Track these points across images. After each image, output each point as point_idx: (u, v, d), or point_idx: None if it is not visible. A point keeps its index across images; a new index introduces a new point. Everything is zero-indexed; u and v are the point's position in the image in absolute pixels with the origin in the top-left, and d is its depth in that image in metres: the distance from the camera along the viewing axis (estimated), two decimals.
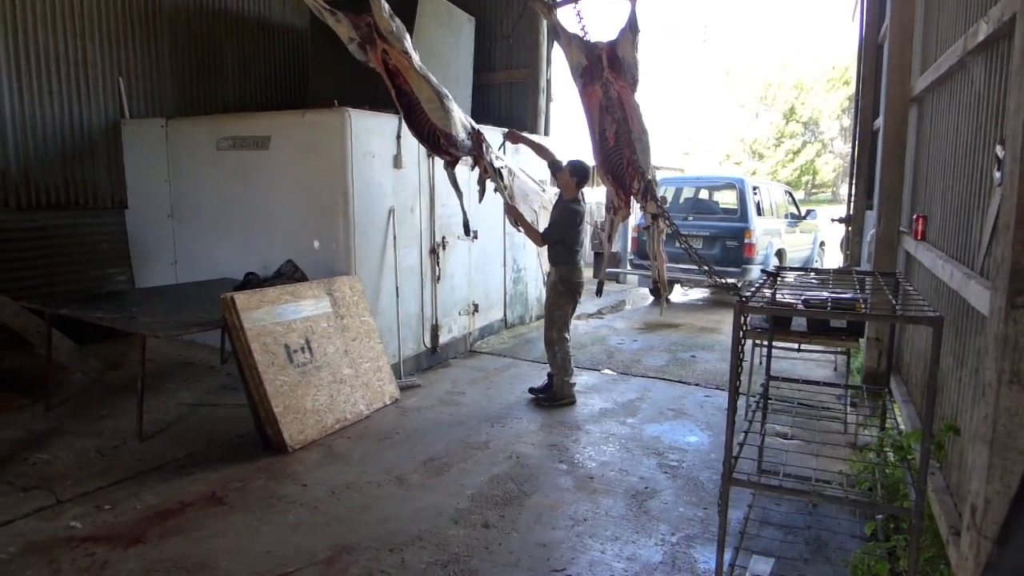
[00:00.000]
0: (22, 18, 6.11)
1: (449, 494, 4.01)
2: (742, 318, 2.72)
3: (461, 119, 5.10)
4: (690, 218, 10.22)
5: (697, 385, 6.24)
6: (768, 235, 10.21)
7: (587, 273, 6.10)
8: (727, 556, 3.28)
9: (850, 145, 7.28)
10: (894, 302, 2.82)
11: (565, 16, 4.73)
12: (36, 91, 6.27)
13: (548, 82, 9.28)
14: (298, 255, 5.67)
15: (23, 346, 5.69)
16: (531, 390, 5.78)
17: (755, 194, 10.14)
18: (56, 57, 6.39)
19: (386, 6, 4.43)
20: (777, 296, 3.10)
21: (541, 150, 5.96)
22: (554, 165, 5.74)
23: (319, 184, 5.63)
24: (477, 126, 5.32)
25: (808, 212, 12.14)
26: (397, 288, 6.05)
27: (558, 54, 7.67)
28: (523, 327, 8.26)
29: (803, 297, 3.05)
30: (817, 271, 4.14)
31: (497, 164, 5.58)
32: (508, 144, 6.38)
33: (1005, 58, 2.50)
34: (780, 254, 10.51)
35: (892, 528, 3.38)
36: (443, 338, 6.76)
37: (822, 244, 12.99)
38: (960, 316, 3.13)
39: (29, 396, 5.23)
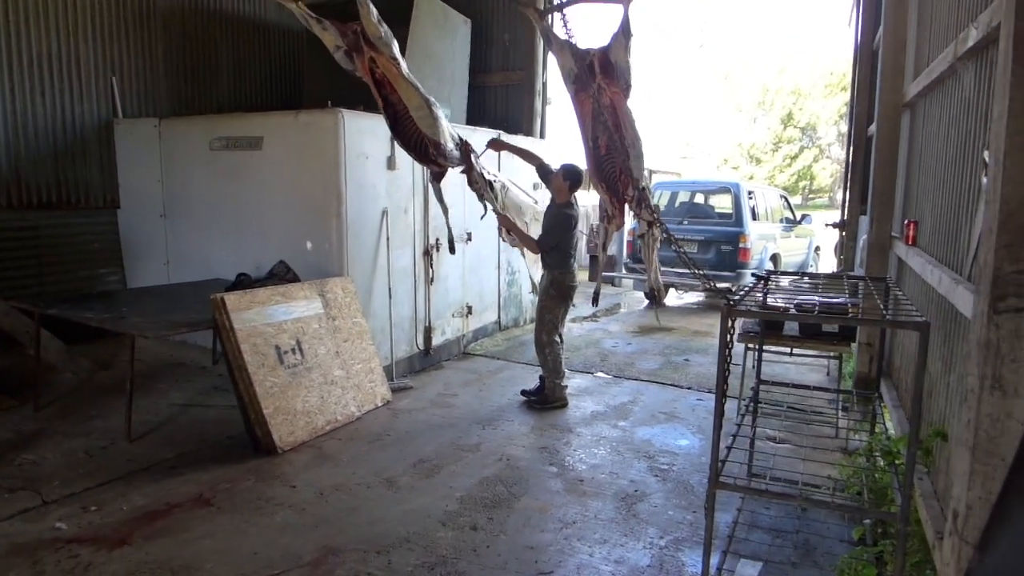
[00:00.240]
0: (14, 16, 6.08)
1: (438, 496, 3.99)
2: (730, 321, 2.71)
3: (449, 130, 5.05)
4: (685, 222, 10.23)
5: (690, 389, 6.24)
6: (763, 240, 10.22)
7: (582, 276, 6.10)
8: (715, 560, 3.27)
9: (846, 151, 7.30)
10: (882, 307, 2.82)
11: (557, 22, 4.73)
12: (28, 90, 6.25)
13: (544, 85, 9.28)
14: (291, 256, 5.66)
15: (12, 346, 5.67)
16: (523, 392, 5.77)
17: (750, 199, 10.15)
18: (48, 55, 6.37)
19: (374, 11, 4.37)
20: (767, 300, 3.10)
21: (529, 156, 5.89)
22: (543, 170, 5.72)
23: (312, 185, 5.62)
24: (465, 138, 5.27)
25: (803, 217, 12.16)
26: (390, 290, 6.03)
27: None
28: (517, 329, 8.25)
29: (795, 302, 3.05)
30: (808, 275, 4.14)
31: (489, 178, 5.55)
32: (504, 155, 6.34)
33: (994, 64, 2.50)
34: (775, 259, 10.52)
35: (880, 533, 3.38)
36: (436, 340, 6.74)
37: (817, 249, 13.01)
38: (949, 322, 3.13)
39: (18, 397, 5.20)
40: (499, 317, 8.04)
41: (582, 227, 5.74)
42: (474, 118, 8.77)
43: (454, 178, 5.57)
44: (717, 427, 2.68)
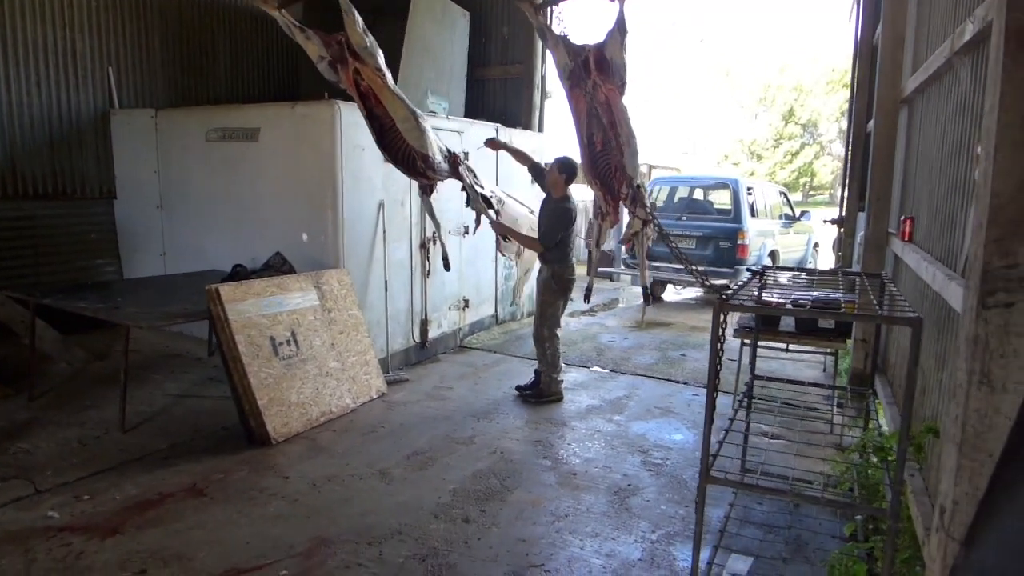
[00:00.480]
0: (9, 6, 6.07)
1: (431, 488, 4.00)
2: (722, 316, 2.71)
3: (437, 142, 4.98)
4: (684, 218, 10.21)
5: (685, 384, 6.24)
6: (761, 236, 10.21)
7: (580, 271, 6.09)
8: (707, 554, 3.28)
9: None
10: (875, 303, 2.81)
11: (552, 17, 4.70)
12: (24, 80, 6.23)
13: (543, 78, 9.26)
14: (287, 248, 5.65)
15: (8, 336, 5.67)
16: (518, 388, 5.76)
17: (749, 195, 10.13)
18: (44, 46, 6.35)
19: (360, 20, 4.29)
20: (762, 296, 3.09)
21: (521, 156, 5.88)
22: (535, 169, 5.72)
23: (308, 177, 5.61)
24: (452, 150, 5.20)
25: (803, 213, 12.14)
26: (386, 282, 6.03)
27: None
28: (514, 323, 8.25)
29: (791, 297, 3.04)
30: (803, 271, 4.14)
31: (486, 192, 5.51)
32: (502, 157, 6.33)
33: (990, 58, 2.49)
34: (773, 255, 10.50)
35: (871, 529, 3.38)
36: (432, 333, 6.74)
37: (816, 246, 12.99)
38: (942, 318, 3.12)
39: (13, 386, 5.20)
40: (496, 311, 8.03)
41: (580, 222, 5.72)
42: (473, 112, 8.74)
43: (449, 209, 5.51)
44: (708, 421, 2.68)
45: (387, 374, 5.87)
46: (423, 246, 6.46)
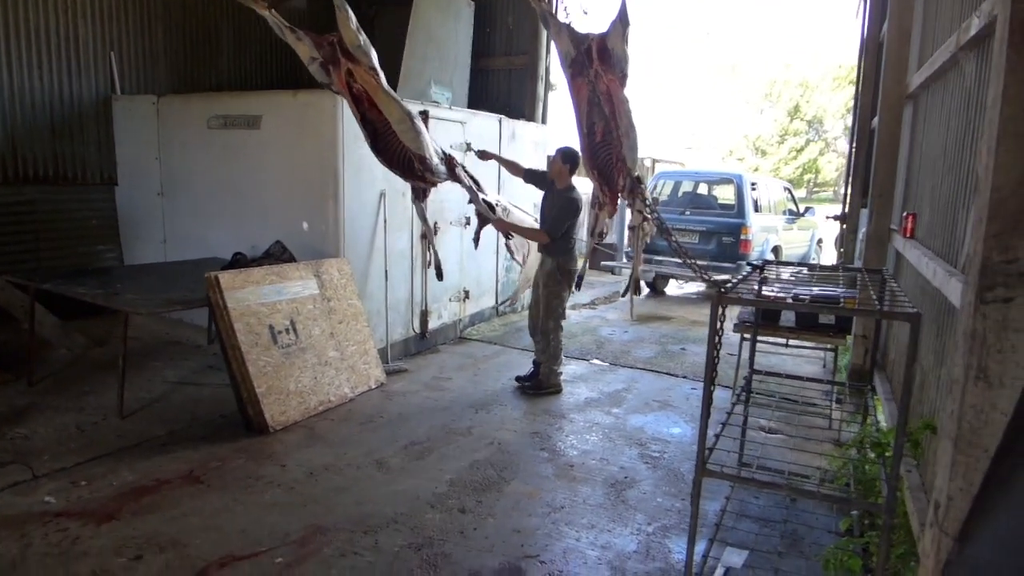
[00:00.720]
0: None
1: (428, 478, 4.00)
2: (720, 309, 2.70)
3: (432, 144, 4.91)
4: (687, 212, 10.19)
5: (684, 377, 6.23)
6: (765, 231, 10.18)
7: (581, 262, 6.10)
8: (702, 547, 3.28)
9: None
10: (875, 298, 2.79)
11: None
12: (26, 65, 6.21)
13: (547, 69, 9.22)
14: (287, 236, 5.64)
15: (8, 321, 5.67)
16: (518, 379, 5.76)
17: (753, 190, 10.10)
18: (47, 31, 6.32)
19: (353, 17, 4.21)
20: (762, 290, 3.08)
21: (513, 166, 5.86)
22: (530, 174, 5.73)
23: (309, 165, 5.59)
24: (447, 152, 5.14)
25: (807, 209, 12.10)
26: (386, 272, 6.02)
27: None
28: (514, 315, 8.24)
29: (792, 292, 3.03)
30: (804, 267, 4.12)
31: (491, 200, 5.48)
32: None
33: None
34: (776, 251, 10.48)
35: (867, 524, 3.37)
36: (432, 324, 6.73)
37: (819, 242, 12.96)
38: (942, 315, 3.11)
39: (12, 371, 5.20)
40: (496, 302, 8.02)
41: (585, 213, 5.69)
42: (476, 102, 8.71)
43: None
44: (704, 415, 2.67)
45: (386, 364, 5.87)
46: (424, 236, 6.44)
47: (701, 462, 2.68)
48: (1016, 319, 1.76)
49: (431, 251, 5.61)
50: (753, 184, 10.29)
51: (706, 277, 5.05)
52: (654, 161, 15.19)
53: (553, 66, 9.27)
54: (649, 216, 4.65)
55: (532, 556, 3.26)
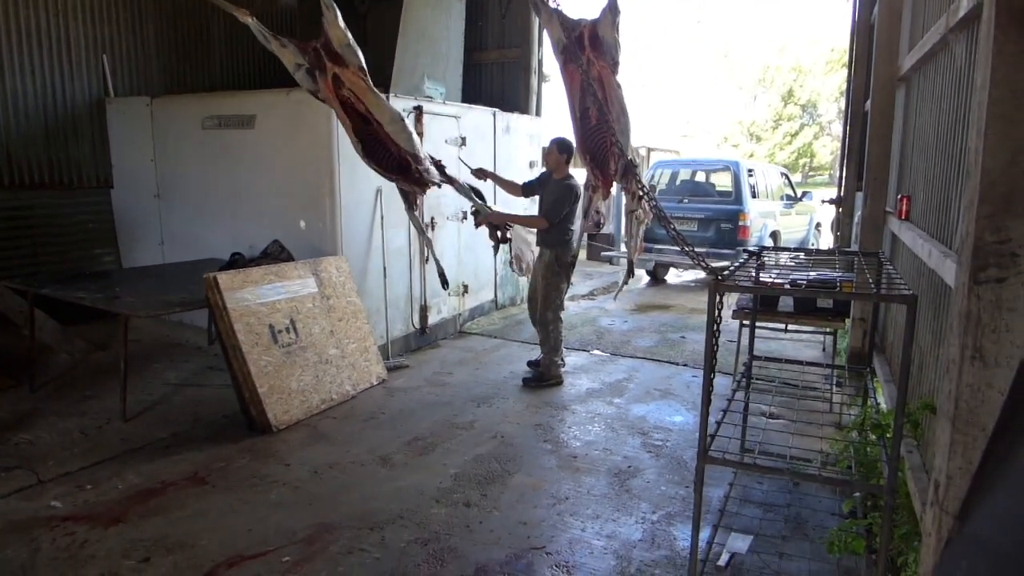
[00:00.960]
0: None
1: (432, 474, 4.02)
2: (718, 296, 2.71)
3: (421, 147, 4.84)
4: (686, 200, 10.21)
5: (685, 365, 6.25)
6: (763, 217, 10.20)
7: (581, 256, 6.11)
8: (707, 533, 3.31)
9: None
10: (872, 281, 2.81)
11: None
12: (17, 68, 6.18)
13: (540, 62, 9.19)
14: (285, 235, 5.65)
15: (8, 327, 5.68)
16: (529, 363, 5.83)
17: (750, 176, 10.11)
18: (38, 33, 6.29)
19: (340, 16, 4.13)
20: (759, 276, 3.08)
21: (511, 186, 5.85)
22: (526, 188, 5.77)
23: (305, 164, 5.59)
24: (436, 157, 5.06)
25: (804, 194, 12.12)
26: (385, 269, 6.03)
27: None
28: (514, 308, 8.26)
29: (789, 278, 3.04)
30: (801, 251, 4.13)
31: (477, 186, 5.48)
32: (502, 161, 6.27)
33: None
34: (775, 236, 10.49)
35: (870, 506, 3.40)
36: (432, 319, 6.75)
37: (818, 226, 12.98)
38: (939, 295, 3.12)
39: (13, 377, 5.22)
40: (496, 296, 8.04)
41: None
42: (470, 96, 8.69)
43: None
44: (705, 402, 2.68)
45: (387, 360, 5.89)
46: (421, 233, 6.44)
47: (703, 449, 2.70)
48: (1009, 299, 1.77)
49: (433, 259, 5.57)
50: (750, 170, 10.30)
51: (704, 264, 5.05)
52: (649, 150, 15.19)
53: (546, 58, 9.25)
54: (644, 196, 4.64)
55: (538, 548, 3.28)
